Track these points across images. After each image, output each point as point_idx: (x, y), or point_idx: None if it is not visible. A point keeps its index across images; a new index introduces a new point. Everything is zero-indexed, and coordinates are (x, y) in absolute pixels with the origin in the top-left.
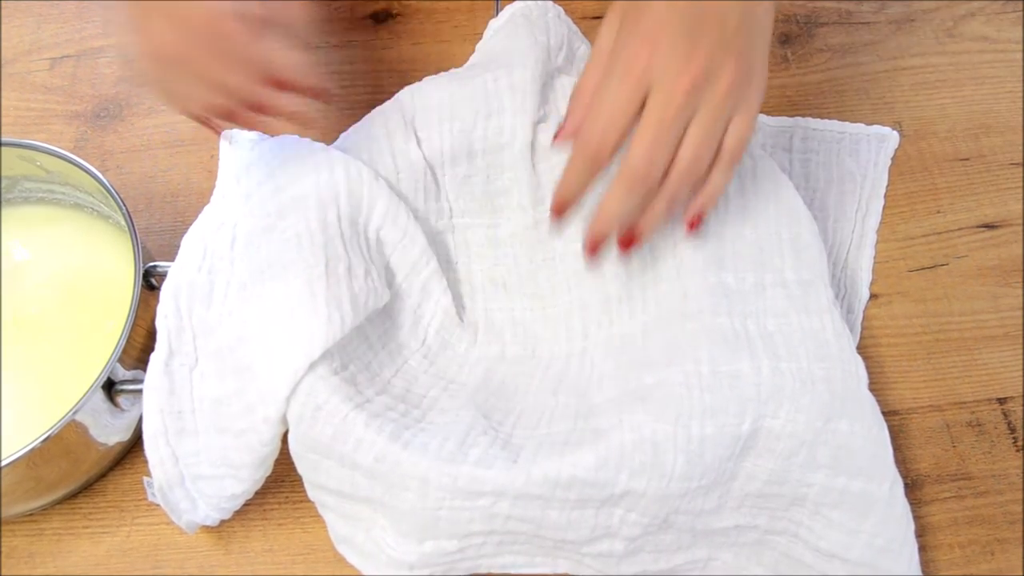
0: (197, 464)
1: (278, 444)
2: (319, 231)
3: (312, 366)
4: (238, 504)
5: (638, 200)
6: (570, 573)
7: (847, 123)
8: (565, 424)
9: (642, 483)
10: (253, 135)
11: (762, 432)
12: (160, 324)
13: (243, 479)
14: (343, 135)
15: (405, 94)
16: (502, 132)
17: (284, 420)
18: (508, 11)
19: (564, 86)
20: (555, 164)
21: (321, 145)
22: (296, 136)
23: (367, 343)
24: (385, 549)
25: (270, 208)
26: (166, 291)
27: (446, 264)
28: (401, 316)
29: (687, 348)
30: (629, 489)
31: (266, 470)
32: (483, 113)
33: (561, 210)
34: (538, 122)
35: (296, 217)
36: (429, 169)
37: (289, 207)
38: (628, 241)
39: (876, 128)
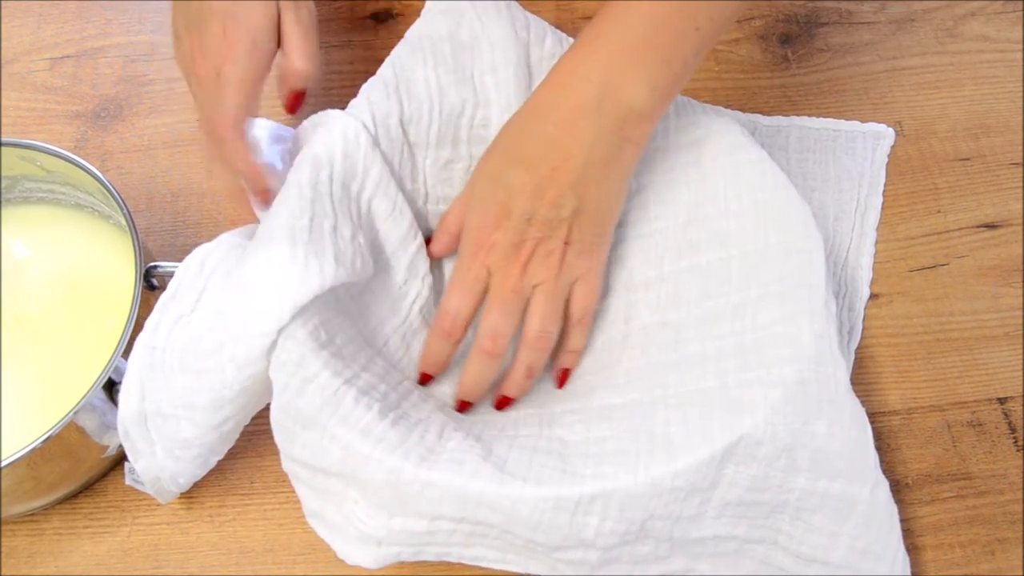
0: (158, 401)
1: (238, 391)
2: (308, 187)
3: (292, 334)
4: (191, 455)
5: (492, 369)
6: (543, 575)
7: (842, 121)
8: (531, 429)
9: (609, 484)
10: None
11: (742, 441)
12: (179, 271)
13: (198, 423)
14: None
15: (386, 68)
16: (488, 126)
17: (251, 364)
18: None
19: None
20: None
21: (338, 111)
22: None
23: (349, 320)
24: (355, 523)
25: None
26: (200, 250)
27: None
28: (383, 292)
29: (654, 375)
30: (596, 492)
31: (223, 419)
32: (471, 102)
33: (425, 381)
34: None
35: (293, 175)
36: (408, 147)
37: (294, 168)
38: (500, 404)
39: (872, 125)
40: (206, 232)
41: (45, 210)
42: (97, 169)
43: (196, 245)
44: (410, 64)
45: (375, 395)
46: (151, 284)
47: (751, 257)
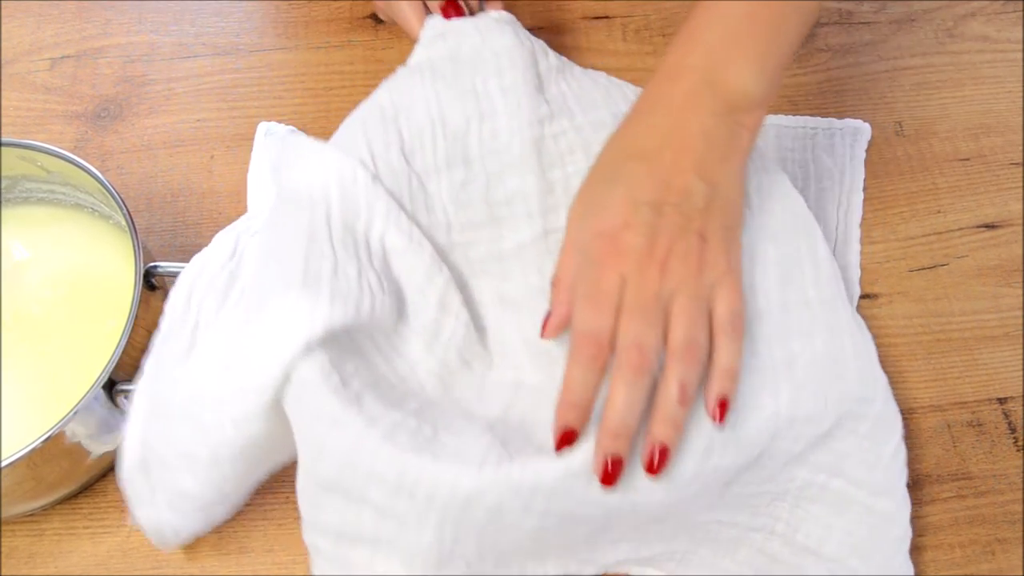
0: (159, 449)
1: (238, 451)
2: (304, 233)
3: (306, 382)
4: (193, 508)
5: (643, 391)
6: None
7: (818, 118)
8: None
9: (657, 495)
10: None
11: (769, 451)
12: (167, 308)
13: (198, 475)
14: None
15: (383, 93)
16: (497, 136)
17: (250, 422)
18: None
19: (563, 89)
20: (570, 173)
21: (322, 144)
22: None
23: (371, 366)
24: None
25: (269, 210)
26: (184, 280)
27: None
28: (411, 333)
29: None
30: (638, 501)
31: (221, 477)
32: (475, 117)
33: (569, 440)
34: (541, 120)
35: (285, 219)
36: (415, 176)
37: (281, 210)
38: (655, 463)
39: (848, 121)
40: (206, 232)
41: (45, 210)
42: (97, 169)
43: (196, 245)
44: (407, 86)
45: (405, 429)
46: (151, 284)
47: (786, 258)
